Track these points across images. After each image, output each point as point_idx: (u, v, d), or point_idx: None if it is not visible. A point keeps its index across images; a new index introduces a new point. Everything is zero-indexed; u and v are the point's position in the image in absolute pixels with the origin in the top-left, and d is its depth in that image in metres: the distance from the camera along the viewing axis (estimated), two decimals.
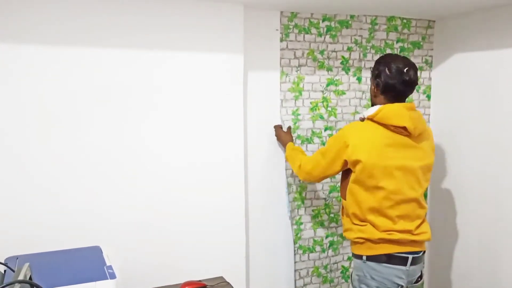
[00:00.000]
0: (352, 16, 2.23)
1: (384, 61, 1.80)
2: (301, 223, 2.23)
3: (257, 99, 2.12)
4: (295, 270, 2.22)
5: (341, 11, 2.17)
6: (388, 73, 1.75)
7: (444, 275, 2.41)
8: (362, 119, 1.83)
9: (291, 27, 2.13)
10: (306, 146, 2.21)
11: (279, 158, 2.20)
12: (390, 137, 1.73)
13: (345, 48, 2.24)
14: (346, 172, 1.83)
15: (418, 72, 2.34)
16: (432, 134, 1.91)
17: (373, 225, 1.75)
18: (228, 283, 1.90)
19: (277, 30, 2.12)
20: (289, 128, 2.16)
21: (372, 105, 1.87)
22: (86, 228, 1.77)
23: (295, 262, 2.21)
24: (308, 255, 2.25)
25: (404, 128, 1.72)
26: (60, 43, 1.69)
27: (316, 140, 2.22)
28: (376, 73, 1.80)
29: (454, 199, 2.33)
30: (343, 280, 2.34)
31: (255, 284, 2.20)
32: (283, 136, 2.13)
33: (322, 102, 2.23)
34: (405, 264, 1.75)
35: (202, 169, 1.98)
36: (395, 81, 1.75)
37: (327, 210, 2.28)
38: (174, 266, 1.94)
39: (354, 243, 1.84)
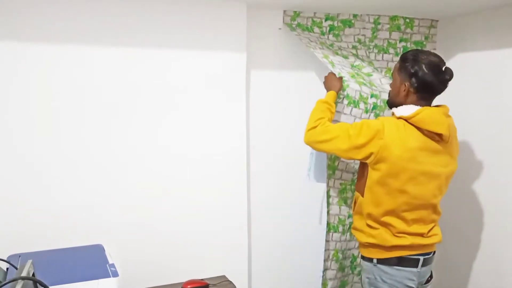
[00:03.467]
0: (355, 15, 2.22)
1: (418, 58, 1.67)
2: (330, 196, 2.11)
3: (259, 97, 2.12)
4: (325, 250, 2.12)
5: (344, 11, 2.17)
6: (426, 71, 1.64)
7: (446, 276, 2.40)
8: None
9: (294, 26, 2.12)
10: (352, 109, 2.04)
11: (282, 156, 2.20)
12: (422, 141, 1.64)
13: (350, 46, 2.23)
14: (364, 167, 1.75)
15: None
16: (457, 136, 1.80)
17: (388, 226, 1.70)
18: (231, 281, 1.89)
19: (280, 29, 2.12)
20: (340, 78, 1.95)
21: (397, 104, 1.73)
22: (88, 227, 1.77)
23: (326, 241, 2.10)
24: (332, 234, 2.14)
25: (440, 135, 1.64)
26: (63, 41, 1.69)
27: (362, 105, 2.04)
28: (410, 71, 1.66)
29: (454, 199, 2.33)
30: (350, 271, 2.28)
31: (258, 282, 2.20)
32: (331, 81, 1.93)
33: None
34: (416, 266, 1.71)
35: (205, 168, 1.98)
36: (433, 79, 1.64)
37: (352, 187, 2.17)
38: (176, 265, 1.93)
39: (364, 245, 1.80)
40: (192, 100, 1.93)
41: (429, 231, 1.74)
